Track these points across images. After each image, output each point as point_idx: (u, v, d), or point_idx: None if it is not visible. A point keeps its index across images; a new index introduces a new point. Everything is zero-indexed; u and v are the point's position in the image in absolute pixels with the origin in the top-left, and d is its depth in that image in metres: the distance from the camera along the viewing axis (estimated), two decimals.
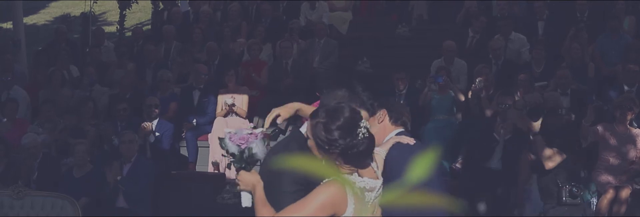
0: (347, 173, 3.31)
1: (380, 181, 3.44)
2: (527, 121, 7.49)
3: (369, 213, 3.34)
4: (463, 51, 10.73)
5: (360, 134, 3.25)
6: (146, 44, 11.71)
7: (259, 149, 3.36)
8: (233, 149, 3.36)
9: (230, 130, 3.41)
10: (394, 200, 3.57)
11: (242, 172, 3.38)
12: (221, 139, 3.40)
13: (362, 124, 3.27)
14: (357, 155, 3.28)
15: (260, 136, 3.39)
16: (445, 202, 3.76)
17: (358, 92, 3.63)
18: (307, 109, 3.67)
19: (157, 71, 10.69)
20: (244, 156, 3.36)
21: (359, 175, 3.34)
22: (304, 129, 3.56)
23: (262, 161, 3.46)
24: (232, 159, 3.39)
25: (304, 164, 3.26)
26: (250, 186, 3.36)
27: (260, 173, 3.46)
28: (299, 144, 3.51)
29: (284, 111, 3.67)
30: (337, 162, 3.30)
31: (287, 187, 3.43)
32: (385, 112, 4.09)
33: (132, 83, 10.57)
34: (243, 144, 3.35)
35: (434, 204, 3.73)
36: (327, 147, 3.26)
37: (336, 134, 3.24)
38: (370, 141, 3.31)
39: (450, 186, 7.63)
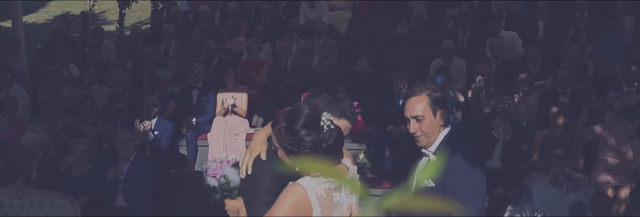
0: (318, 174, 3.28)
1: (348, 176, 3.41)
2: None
3: (340, 213, 3.30)
4: (460, 51, 10.76)
5: (324, 127, 3.23)
6: (143, 45, 11.72)
7: (233, 175, 3.45)
8: (212, 182, 3.50)
9: (203, 166, 3.58)
10: (398, 204, 3.57)
11: (227, 200, 3.51)
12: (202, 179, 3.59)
13: (324, 117, 3.24)
14: (327, 150, 3.26)
15: (231, 162, 3.47)
16: (448, 207, 3.72)
17: (339, 99, 3.53)
18: None
19: (154, 72, 10.71)
20: (222, 185, 3.44)
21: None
22: None
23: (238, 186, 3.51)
24: (213, 193, 3.53)
25: (283, 167, 3.26)
26: (235, 212, 3.49)
27: (241, 179, 3.49)
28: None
29: (261, 148, 3.56)
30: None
31: (262, 198, 3.37)
32: (446, 112, 3.93)
33: (132, 82, 10.58)
34: (217, 174, 3.42)
35: (438, 209, 3.71)
36: (295, 150, 3.23)
37: (301, 132, 3.21)
38: (338, 134, 3.28)
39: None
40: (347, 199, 3.33)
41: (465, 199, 3.72)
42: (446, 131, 3.91)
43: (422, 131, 3.86)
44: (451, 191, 3.72)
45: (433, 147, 3.88)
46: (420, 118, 3.84)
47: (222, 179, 3.43)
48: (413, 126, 3.87)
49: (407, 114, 3.89)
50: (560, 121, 8.09)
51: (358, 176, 3.49)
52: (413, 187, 3.92)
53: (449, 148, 3.84)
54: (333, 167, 3.34)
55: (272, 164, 3.35)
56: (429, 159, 3.88)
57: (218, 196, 3.47)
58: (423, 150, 3.92)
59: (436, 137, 3.88)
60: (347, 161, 3.46)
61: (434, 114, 3.86)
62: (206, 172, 3.50)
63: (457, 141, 3.93)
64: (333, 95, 3.51)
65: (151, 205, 8.22)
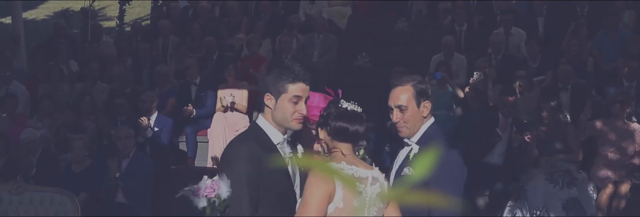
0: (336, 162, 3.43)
1: (372, 172, 3.48)
2: None
3: (362, 207, 3.37)
4: (459, 46, 10.75)
5: (344, 103, 3.50)
6: (141, 42, 11.72)
7: (227, 193, 3.32)
8: (203, 203, 3.31)
9: (187, 188, 3.36)
10: (394, 198, 3.57)
11: None
12: (188, 199, 3.36)
13: (342, 102, 3.51)
14: (340, 130, 3.46)
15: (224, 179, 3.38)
16: (445, 202, 3.73)
17: (286, 68, 3.73)
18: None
19: (154, 68, 10.70)
20: (216, 204, 3.31)
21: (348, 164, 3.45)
22: (259, 120, 3.62)
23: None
24: (204, 214, 3.33)
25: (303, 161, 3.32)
26: None
27: (220, 164, 3.54)
28: (257, 137, 3.54)
29: None
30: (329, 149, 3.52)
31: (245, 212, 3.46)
32: (430, 104, 3.96)
33: (131, 78, 10.57)
34: (212, 193, 3.30)
35: (434, 203, 3.72)
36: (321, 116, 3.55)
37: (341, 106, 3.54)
38: (358, 119, 3.49)
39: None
40: (372, 198, 3.42)
41: (444, 186, 3.76)
42: (429, 122, 3.95)
43: (404, 121, 3.89)
44: (431, 180, 3.71)
45: (415, 138, 3.92)
46: (403, 108, 3.88)
47: (216, 199, 3.30)
48: (396, 116, 3.90)
49: (391, 103, 3.92)
50: (546, 115, 8.07)
51: (386, 183, 3.55)
52: (392, 177, 3.96)
53: (430, 140, 3.86)
54: (353, 161, 3.48)
55: (251, 176, 3.42)
56: (411, 149, 3.91)
57: (211, 215, 3.33)
58: (405, 140, 3.95)
59: (419, 129, 3.92)
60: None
61: (418, 105, 3.89)
62: (197, 192, 3.32)
63: (439, 132, 3.96)
64: (283, 68, 3.71)
65: (151, 201, 8.21)
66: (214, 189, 3.29)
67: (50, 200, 7.06)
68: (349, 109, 3.49)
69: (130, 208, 7.92)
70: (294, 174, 3.59)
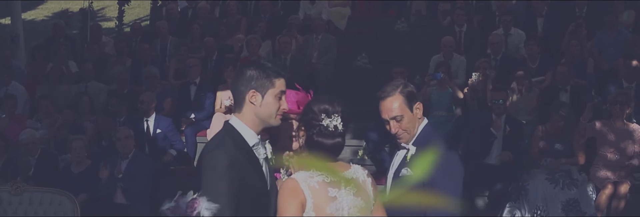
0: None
1: (344, 173, 3.44)
2: None
3: (337, 211, 3.35)
4: (458, 46, 10.76)
5: (324, 119, 3.40)
6: (141, 43, 11.72)
7: (208, 211, 3.20)
8: None
9: (164, 207, 3.24)
10: (394, 199, 3.57)
11: None
12: None
13: (322, 117, 3.41)
14: (319, 144, 3.39)
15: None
16: (445, 202, 3.73)
17: (264, 65, 3.57)
18: None
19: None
20: None
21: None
22: (233, 121, 3.52)
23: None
24: None
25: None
26: None
27: (200, 172, 3.39)
28: (233, 140, 3.43)
29: None
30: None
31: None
32: (422, 105, 3.96)
33: (128, 79, 10.56)
34: (193, 211, 3.18)
35: (433, 204, 3.71)
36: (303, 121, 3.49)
37: (316, 110, 3.46)
38: (337, 135, 3.41)
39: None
40: (348, 199, 3.38)
41: (445, 186, 3.75)
42: (423, 123, 3.95)
43: (403, 129, 3.88)
44: (431, 181, 3.74)
45: (411, 140, 3.92)
46: (399, 118, 3.87)
47: None
48: (394, 126, 3.89)
49: (385, 116, 3.91)
50: (561, 117, 8.06)
51: (369, 179, 3.50)
52: (391, 179, 3.95)
53: (427, 140, 3.86)
54: (326, 163, 3.42)
55: (232, 184, 3.33)
56: (408, 150, 3.90)
57: None
58: (402, 144, 3.94)
59: (416, 131, 3.91)
60: (358, 168, 3.54)
61: (412, 110, 3.89)
62: (176, 211, 3.18)
63: (434, 133, 3.96)
64: (261, 65, 3.56)
65: (151, 201, 8.20)
66: (195, 208, 3.18)
67: (49, 200, 7.06)
68: (330, 126, 3.41)
69: (130, 208, 7.91)
70: (268, 175, 3.52)
